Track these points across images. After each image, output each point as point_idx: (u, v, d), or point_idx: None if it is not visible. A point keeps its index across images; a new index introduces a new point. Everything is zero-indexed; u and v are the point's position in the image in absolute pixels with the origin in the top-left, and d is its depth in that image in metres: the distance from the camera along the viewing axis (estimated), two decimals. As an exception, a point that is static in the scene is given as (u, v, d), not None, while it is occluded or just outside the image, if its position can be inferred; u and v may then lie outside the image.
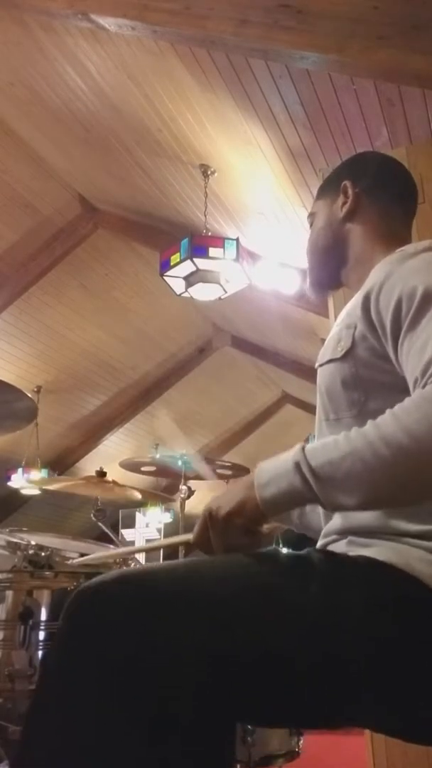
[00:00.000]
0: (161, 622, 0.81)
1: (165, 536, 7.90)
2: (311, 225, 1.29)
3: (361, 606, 0.86)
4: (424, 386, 0.85)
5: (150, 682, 0.77)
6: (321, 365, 1.10)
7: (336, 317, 1.23)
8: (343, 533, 1.01)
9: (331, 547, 1.03)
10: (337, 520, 1.03)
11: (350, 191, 1.21)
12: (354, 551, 0.96)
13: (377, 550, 0.93)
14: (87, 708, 0.77)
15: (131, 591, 0.83)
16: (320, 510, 1.10)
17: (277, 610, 0.85)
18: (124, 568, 1.98)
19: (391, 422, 0.83)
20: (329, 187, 1.26)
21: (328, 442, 0.87)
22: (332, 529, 1.03)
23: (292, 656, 0.84)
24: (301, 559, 0.91)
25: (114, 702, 0.77)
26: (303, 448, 0.88)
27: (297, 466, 0.86)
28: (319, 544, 1.07)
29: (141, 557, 6.64)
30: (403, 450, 0.80)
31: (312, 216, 1.28)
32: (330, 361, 1.06)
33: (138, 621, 0.80)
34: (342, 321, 1.08)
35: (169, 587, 0.84)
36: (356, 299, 1.06)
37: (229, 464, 3.19)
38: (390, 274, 0.99)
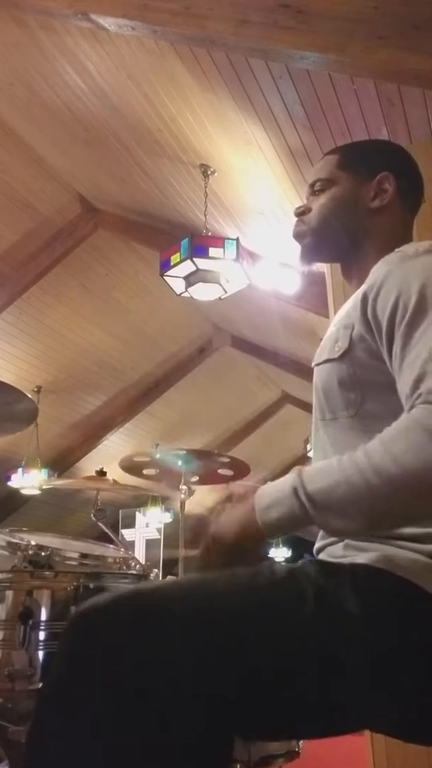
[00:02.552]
0: (158, 642, 0.80)
1: (165, 536, 7.89)
2: (321, 190, 1.18)
3: (358, 616, 0.85)
4: (410, 408, 0.85)
5: (150, 702, 0.77)
6: (318, 365, 1.09)
7: (335, 318, 1.22)
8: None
9: (328, 550, 1.03)
10: None
11: (388, 187, 1.13)
12: (350, 555, 0.96)
13: (373, 556, 0.93)
14: (88, 731, 0.77)
15: (126, 613, 0.83)
16: None
17: (275, 625, 0.85)
18: (124, 567, 1.98)
19: (380, 450, 0.83)
20: (361, 164, 1.17)
21: (324, 468, 0.89)
22: None
23: (291, 670, 0.84)
24: (296, 572, 0.91)
25: (115, 724, 0.76)
26: (300, 472, 0.89)
27: (295, 491, 0.87)
28: (316, 546, 1.07)
29: (141, 557, 6.62)
30: (392, 479, 0.81)
31: (327, 182, 1.17)
32: (327, 360, 1.05)
33: (134, 642, 0.80)
34: (340, 321, 1.07)
35: (164, 607, 0.84)
36: (354, 299, 1.05)
37: (228, 460, 3.19)
38: (388, 276, 0.98)
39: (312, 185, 1.21)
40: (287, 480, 0.90)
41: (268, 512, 0.90)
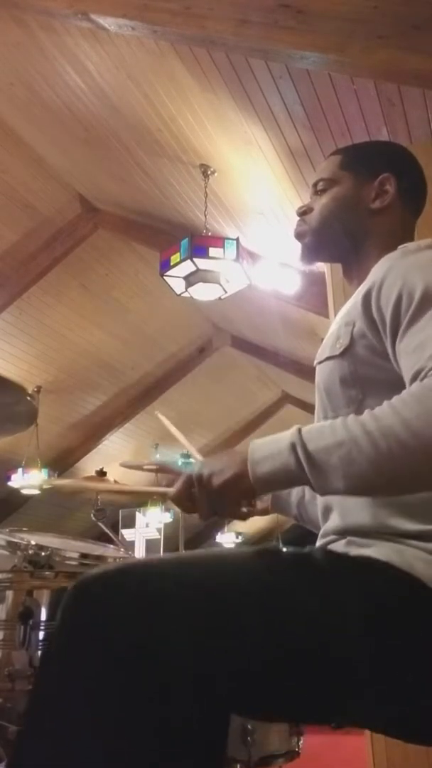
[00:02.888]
0: (161, 615, 0.81)
1: (164, 536, 7.89)
2: (323, 190, 1.18)
3: (361, 605, 0.86)
4: (423, 379, 0.84)
5: (150, 673, 0.77)
6: (320, 362, 1.09)
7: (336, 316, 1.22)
8: (341, 533, 1.00)
9: (330, 548, 1.02)
10: (334, 520, 1.03)
11: (389, 188, 1.14)
12: (354, 551, 0.96)
13: (377, 550, 0.93)
14: (84, 701, 0.78)
15: (133, 583, 0.84)
16: (318, 507, 1.10)
17: (278, 608, 0.85)
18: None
19: (390, 415, 0.83)
20: (363, 164, 1.17)
21: (325, 427, 0.88)
22: (330, 529, 1.03)
23: (292, 654, 0.84)
24: (302, 557, 0.91)
25: (112, 694, 0.77)
26: (299, 430, 0.88)
27: (293, 447, 0.86)
28: (317, 544, 1.07)
29: (141, 555, 6.62)
30: (401, 444, 0.81)
31: (329, 182, 1.18)
32: (329, 358, 1.05)
33: (138, 613, 0.81)
34: (341, 318, 1.08)
35: (170, 581, 0.85)
36: (356, 296, 1.05)
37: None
38: (390, 271, 0.98)
39: (315, 185, 1.21)
40: (285, 435, 0.89)
41: (261, 465, 0.89)
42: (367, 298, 1.00)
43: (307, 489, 1.29)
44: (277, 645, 0.84)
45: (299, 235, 1.21)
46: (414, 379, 0.87)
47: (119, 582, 0.84)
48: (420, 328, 0.90)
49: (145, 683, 0.77)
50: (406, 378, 0.90)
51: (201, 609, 0.83)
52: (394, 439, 0.81)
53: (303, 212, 1.22)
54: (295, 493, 1.29)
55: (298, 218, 1.23)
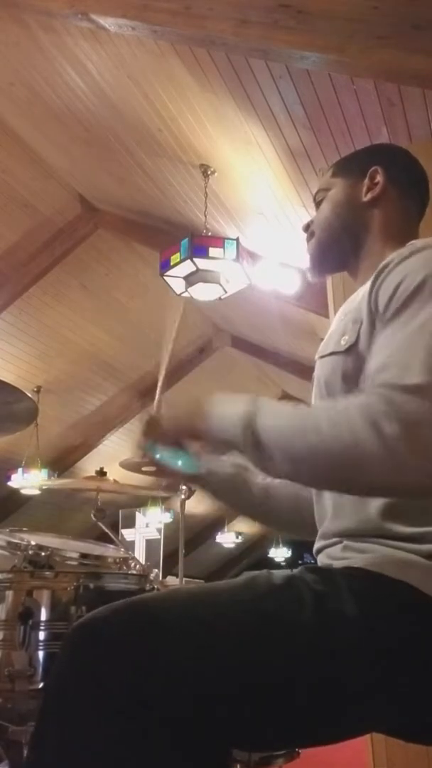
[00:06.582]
0: (157, 652, 0.80)
1: (165, 536, 7.89)
2: (320, 201, 1.23)
3: (357, 621, 0.85)
4: (360, 395, 0.87)
5: (150, 712, 0.77)
6: (322, 357, 1.08)
7: (336, 316, 1.22)
8: (338, 536, 1.00)
9: (327, 552, 1.02)
10: (331, 521, 1.03)
11: (379, 178, 1.16)
12: (349, 557, 0.96)
13: (371, 558, 0.92)
14: (88, 742, 0.77)
15: (126, 624, 0.83)
16: (315, 510, 1.10)
17: (273, 636, 0.84)
18: (124, 567, 1.99)
19: (326, 424, 0.86)
20: (352, 167, 1.21)
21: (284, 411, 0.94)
22: (328, 531, 1.03)
23: (291, 680, 0.83)
24: (293, 580, 0.90)
25: (115, 734, 0.76)
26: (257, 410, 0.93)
27: (247, 425, 0.91)
28: (315, 547, 1.07)
29: (141, 557, 6.62)
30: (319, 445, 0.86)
31: (324, 192, 1.22)
32: (333, 353, 1.04)
33: (134, 652, 0.80)
34: (349, 313, 1.06)
35: (163, 617, 0.84)
36: (364, 290, 1.05)
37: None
38: (395, 266, 0.98)
39: (314, 200, 1.26)
40: (240, 414, 0.93)
41: (212, 420, 0.96)
42: (369, 293, 0.99)
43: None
44: (278, 671, 0.83)
45: (307, 250, 1.25)
46: (371, 384, 0.88)
47: (116, 622, 0.83)
48: (397, 325, 0.90)
49: (149, 720, 0.76)
50: (369, 372, 0.91)
51: (199, 644, 0.82)
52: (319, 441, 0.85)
53: (306, 226, 1.25)
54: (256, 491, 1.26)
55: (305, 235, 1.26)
